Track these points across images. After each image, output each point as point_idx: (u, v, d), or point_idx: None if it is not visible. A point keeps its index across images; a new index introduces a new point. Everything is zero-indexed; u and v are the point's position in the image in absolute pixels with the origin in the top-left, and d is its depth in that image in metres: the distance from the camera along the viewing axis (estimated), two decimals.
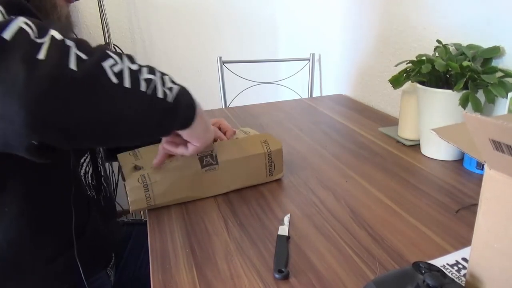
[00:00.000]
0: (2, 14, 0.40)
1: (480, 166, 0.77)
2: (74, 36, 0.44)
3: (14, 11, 0.43)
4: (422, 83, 0.83)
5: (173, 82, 0.52)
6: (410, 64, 0.86)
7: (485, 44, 0.83)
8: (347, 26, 1.40)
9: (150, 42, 1.85)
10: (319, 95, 1.70)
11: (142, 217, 1.97)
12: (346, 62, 1.45)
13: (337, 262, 0.53)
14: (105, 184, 0.75)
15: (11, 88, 0.37)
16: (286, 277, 0.50)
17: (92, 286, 0.70)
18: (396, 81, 0.86)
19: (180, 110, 0.52)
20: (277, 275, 0.50)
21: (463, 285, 0.44)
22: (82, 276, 0.62)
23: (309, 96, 1.70)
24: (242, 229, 0.62)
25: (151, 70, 0.49)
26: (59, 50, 0.40)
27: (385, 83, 1.19)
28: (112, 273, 0.77)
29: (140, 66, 0.48)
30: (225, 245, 0.58)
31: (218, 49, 1.94)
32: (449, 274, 0.48)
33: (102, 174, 0.75)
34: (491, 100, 0.74)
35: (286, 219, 0.63)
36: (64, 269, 0.63)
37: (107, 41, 1.69)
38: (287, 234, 0.59)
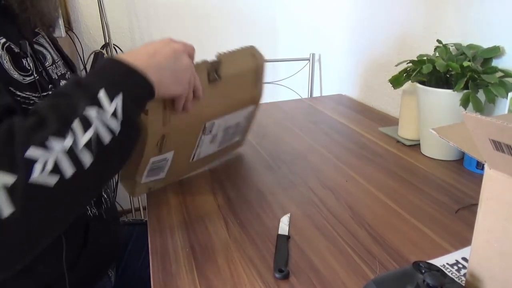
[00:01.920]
0: None
1: (480, 166, 0.77)
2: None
3: None
4: (422, 83, 0.83)
5: (111, 94, 0.42)
6: (411, 64, 0.86)
7: (485, 44, 0.83)
8: (347, 26, 1.40)
9: None
10: (319, 95, 1.70)
11: (142, 217, 1.97)
12: (346, 62, 1.45)
13: (337, 261, 0.53)
14: (105, 196, 0.73)
15: None
16: (286, 277, 0.50)
17: None
18: (396, 81, 0.86)
19: (132, 113, 0.44)
20: (277, 275, 0.50)
21: (463, 284, 0.44)
22: None
23: (309, 96, 1.70)
24: (242, 228, 0.62)
25: (85, 121, 0.40)
26: None
27: (385, 83, 1.19)
28: (113, 273, 0.77)
29: (72, 131, 0.39)
30: (225, 244, 0.58)
31: (218, 49, 1.94)
32: (449, 274, 0.48)
33: None
34: (491, 100, 0.74)
35: (286, 218, 0.63)
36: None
37: (107, 41, 1.69)
38: (287, 234, 0.59)
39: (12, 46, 0.55)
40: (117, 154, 0.43)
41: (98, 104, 0.41)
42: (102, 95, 0.42)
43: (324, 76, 1.66)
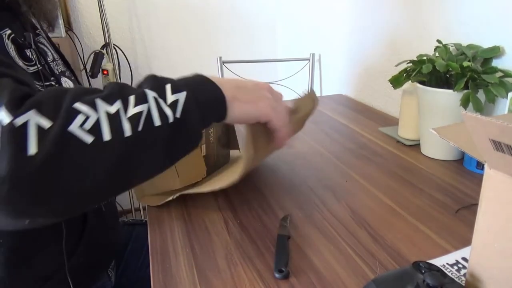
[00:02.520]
0: None
1: (480, 166, 0.77)
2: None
3: None
4: (422, 83, 0.83)
5: (176, 89, 0.43)
6: (411, 64, 0.86)
7: (485, 44, 0.83)
8: (347, 26, 1.40)
9: (150, 42, 1.85)
10: (319, 95, 1.70)
11: (142, 217, 1.97)
12: (346, 62, 1.45)
13: (337, 261, 0.53)
14: None
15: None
16: (286, 277, 0.50)
17: (93, 287, 0.70)
18: (396, 81, 0.86)
19: (193, 116, 0.43)
20: (277, 275, 0.50)
21: (463, 284, 0.44)
22: None
23: None
24: (242, 228, 0.62)
25: (141, 97, 0.40)
26: (10, 137, 0.34)
27: (385, 83, 1.19)
28: (113, 273, 0.77)
29: (125, 100, 0.40)
30: (226, 244, 0.58)
31: (218, 49, 1.94)
32: (449, 274, 0.48)
33: None
34: (491, 100, 0.74)
35: (286, 218, 0.63)
36: (62, 283, 0.62)
37: (107, 41, 1.69)
38: (287, 234, 0.59)
39: (17, 38, 0.57)
40: (161, 145, 0.41)
41: (160, 91, 0.41)
42: (168, 87, 0.42)
43: (324, 76, 1.66)
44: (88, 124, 0.37)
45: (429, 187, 0.72)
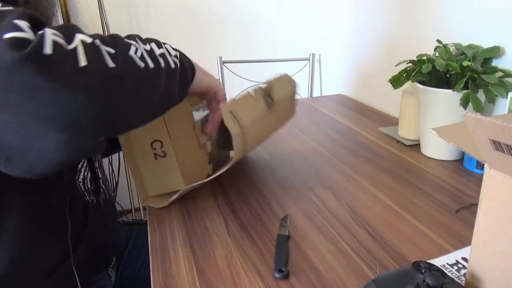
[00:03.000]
0: (30, 28, 0.39)
1: (480, 166, 0.77)
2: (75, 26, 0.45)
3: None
4: (422, 83, 0.83)
5: (172, 48, 0.56)
6: (410, 64, 0.86)
7: (485, 44, 0.84)
8: (347, 26, 1.40)
9: None
10: (319, 95, 1.70)
11: (142, 217, 1.97)
12: (346, 62, 1.45)
13: (337, 261, 0.53)
14: (103, 187, 0.75)
15: (75, 100, 0.39)
16: (286, 277, 0.50)
17: (93, 287, 0.70)
18: (396, 81, 0.86)
19: (186, 69, 0.57)
20: (277, 275, 0.50)
21: (463, 284, 0.44)
22: (78, 284, 0.62)
23: (309, 96, 1.70)
24: (242, 228, 0.62)
25: (159, 44, 0.53)
26: (94, 52, 0.42)
27: (385, 83, 1.19)
28: (113, 273, 0.77)
29: (149, 43, 0.52)
30: (225, 244, 0.58)
31: (218, 49, 1.94)
32: (449, 274, 0.48)
33: (100, 176, 0.74)
34: (491, 100, 0.74)
35: (286, 218, 0.63)
36: (64, 278, 0.63)
37: None
38: (287, 234, 0.59)
39: None
40: (177, 82, 0.54)
41: (164, 47, 0.54)
42: (168, 45, 0.56)
43: (324, 76, 1.66)
44: (139, 53, 0.47)
45: (429, 187, 0.72)
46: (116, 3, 1.74)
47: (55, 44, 0.39)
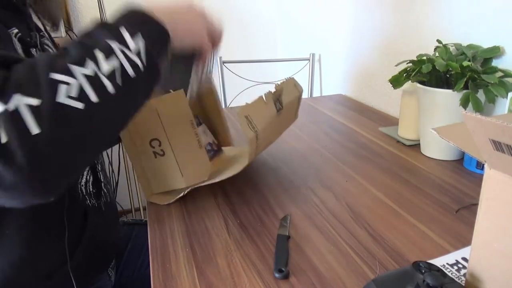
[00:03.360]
0: None
1: (480, 166, 0.77)
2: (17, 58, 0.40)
3: None
4: (422, 83, 0.83)
5: (132, 34, 0.44)
6: (410, 64, 0.86)
7: (485, 44, 0.84)
8: (347, 26, 1.40)
9: None
10: (319, 95, 1.70)
11: (142, 217, 1.97)
12: (346, 62, 1.45)
13: (337, 261, 0.53)
14: (105, 190, 0.74)
15: (2, 182, 0.36)
16: (286, 277, 0.50)
17: (93, 287, 0.70)
18: (396, 81, 0.86)
19: (155, 58, 0.46)
20: (277, 275, 0.50)
21: (463, 284, 0.44)
22: (74, 286, 0.62)
23: (309, 96, 1.70)
24: (242, 228, 0.62)
25: (108, 51, 0.42)
26: (12, 122, 0.35)
27: (385, 83, 1.19)
28: (113, 273, 0.77)
29: (94, 58, 0.41)
30: (226, 244, 0.58)
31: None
32: (449, 274, 0.48)
33: (102, 180, 0.74)
34: (491, 100, 0.74)
35: (286, 218, 0.63)
36: (64, 279, 0.62)
37: None
38: (287, 234, 0.59)
39: (24, 36, 0.58)
40: (141, 91, 0.45)
41: (120, 39, 0.43)
42: (125, 33, 0.43)
43: (324, 76, 1.66)
44: (74, 92, 0.38)
45: (429, 187, 0.72)
46: (116, 3, 1.74)
47: None
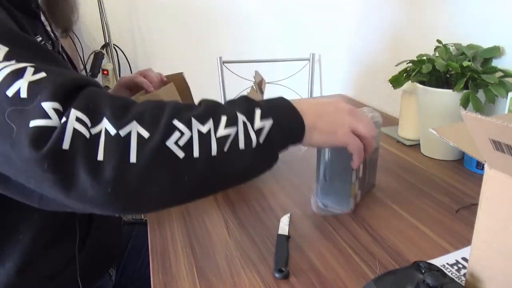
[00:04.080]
0: (56, 112, 0.38)
1: (480, 166, 0.77)
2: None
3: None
4: (422, 83, 0.83)
5: (265, 116, 0.45)
6: (410, 64, 0.86)
7: (485, 44, 0.83)
8: (348, 27, 1.40)
9: (150, 42, 1.85)
10: (319, 95, 1.70)
11: (142, 217, 1.97)
12: (346, 62, 1.45)
13: (337, 261, 0.53)
14: None
15: (85, 195, 0.38)
16: (286, 277, 0.50)
17: (94, 287, 0.70)
18: (396, 81, 0.86)
19: (275, 143, 0.47)
20: (277, 275, 0.50)
21: (463, 284, 0.44)
22: (80, 286, 0.62)
23: (309, 96, 1.70)
24: (242, 228, 0.62)
25: (232, 119, 0.43)
26: (115, 146, 0.38)
27: (385, 83, 1.19)
28: (114, 273, 0.77)
29: (216, 121, 0.43)
30: (225, 244, 0.58)
31: (218, 49, 1.94)
32: (449, 274, 0.48)
33: None
34: (491, 100, 0.74)
35: (286, 218, 0.63)
36: (67, 280, 0.62)
37: (107, 41, 1.69)
38: (287, 234, 0.59)
39: (47, 45, 0.59)
40: (241, 165, 0.44)
41: (250, 115, 0.45)
42: (257, 112, 0.45)
43: (324, 76, 1.66)
44: (182, 141, 0.40)
45: (429, 187, 0.72)
46: (116, 3, 1.74)
47: (75, 135, 0.38)
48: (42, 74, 0.40)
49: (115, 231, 0.75)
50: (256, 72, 0.83)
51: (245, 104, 0.46)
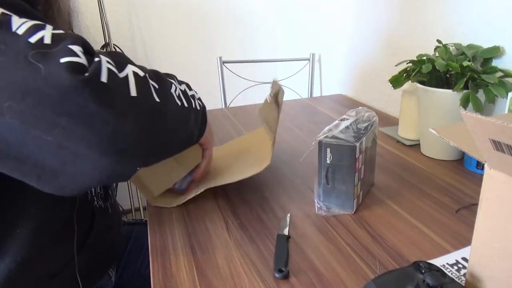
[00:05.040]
0: (83, 54, 0.41)
1: (480, 166, 0.77)
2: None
3: (19, 12, 0.43)
4: (422, 83, 0.83)
5: (193, 90, 0.60)
6: (410, 64, 0.86)
7: (485, 44, 0.83)
8: (348, 26, 1.40)
9: (150, 42, 1.85)
10: (319, 95, 1.70)
11: (142, 217, 1.97)
12: (346, 62, 1.45)
13: (337, 261, 0.53)
14: (110, 192, 0.75)
15: (123, 127, 0.41)
16: (286, 277, 0.50)
17: (94, 287, 0.70)
18: (396, 81, 0.86)
19: (206, 114, 0.61)
20: (277, 275, 0.50)
21: (463, 284, 0.44)
22: (80, 286, 0.62)
23: (309, 96, 1.70)
24: (242, 228, 0.62)
25: (189, 87, 0.58)
26: (143, 84, 0.45)
27: (385, 83, 1.19)
28: (113, 273, 0.77)
29: (183, 84, 0.57)
30: (226, 244, 0.58)
31: (218, 49, 1.94)
32: (449, 274, 0.48)
33: None
34: (491, 100, 0.74)
35: (286, 218, 0.63)
36: (66, 280, 0.62)
37: (107, 41, 1.69)
38: (287, 234, 0.59)
39: None
40: (196, 117, 0.58)
41: (193, 90, 0.60)
42: (194, 91, 0.60)
43: (324, 76, 1.66)
44: (177, 92, 0.52)
45: (429, 187, 0.72)
46: (116, 3, 1.74)
47: (110, 72, 0.41)
48: (62, 31, 0.42)
49: (115, 231, 0.75)
50: (274, 82, 0.79)
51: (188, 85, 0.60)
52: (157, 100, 0.46)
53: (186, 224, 0.64)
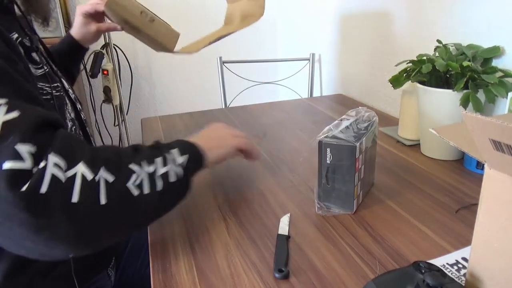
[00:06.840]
0: (30, 155, 0.40)
1: (480, 166, 0.77)
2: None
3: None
4: (422, 83, 0.83)
5: (183, 150, 0.56)
6: (410, 64, 0.86)
7: (485, 44, 0.84)
8: (348, 26, 1.40)
9: None
10: (319, 95, 1.70)
11: None
12: (346, 62, 1.45)
13: (337, 261, 0.53)
14: None
15: (56, 235, 0.41)
16: (286, 277, 0.50)
17: (93, 287, 0.70)
18: (396, 81, 0.86)
19: (190, 171, 0.56)
20: (277, 275, 0.50)
21: (463, 284, 0.44)
22: (76, 284, 0.62)
23: (309, 96, 1.70)
24: (242, 228, 0.62)
25: (164, 160, 0.53)
26: (90, 189, 0.43)
27: (385, 83, 1.19)
28: (113, 273, 0.77)
29: (155, 161, 0.51)
30: (225, 244, 0.58)
31: (218, 49, 1.94)
32: (449, 274, 0.48)
33: None
34: (491, 100, 0.74)
35: (286, 218, 0.63)
36: (61, 279, 0.62)
37: (107, 41, 1.69)
38: (287, 234, 0.59)
39: (24, 41, 0.59)
40: (175, 194, 0.55)
41: (172, 154, 0.54)
42: (175, 151, 0.55)
43: (324, 76, 1.66)
44: (138, 181, 0.48)
45: (429, 187, 0.72)
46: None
47: (53, 179, 0.41)
48: (15, 113, 0.41)
49: None
50: None
51: (165, 145, 0.56)
52: (103, 202, 0.43)
53: (186, 224, 0.64)
